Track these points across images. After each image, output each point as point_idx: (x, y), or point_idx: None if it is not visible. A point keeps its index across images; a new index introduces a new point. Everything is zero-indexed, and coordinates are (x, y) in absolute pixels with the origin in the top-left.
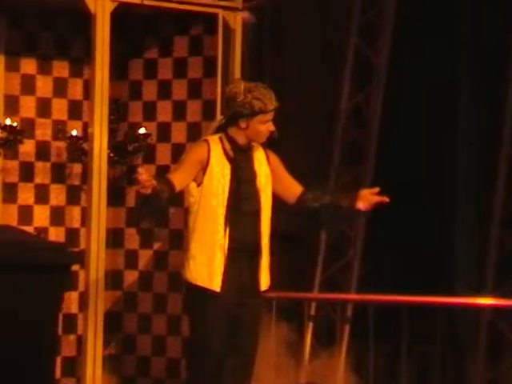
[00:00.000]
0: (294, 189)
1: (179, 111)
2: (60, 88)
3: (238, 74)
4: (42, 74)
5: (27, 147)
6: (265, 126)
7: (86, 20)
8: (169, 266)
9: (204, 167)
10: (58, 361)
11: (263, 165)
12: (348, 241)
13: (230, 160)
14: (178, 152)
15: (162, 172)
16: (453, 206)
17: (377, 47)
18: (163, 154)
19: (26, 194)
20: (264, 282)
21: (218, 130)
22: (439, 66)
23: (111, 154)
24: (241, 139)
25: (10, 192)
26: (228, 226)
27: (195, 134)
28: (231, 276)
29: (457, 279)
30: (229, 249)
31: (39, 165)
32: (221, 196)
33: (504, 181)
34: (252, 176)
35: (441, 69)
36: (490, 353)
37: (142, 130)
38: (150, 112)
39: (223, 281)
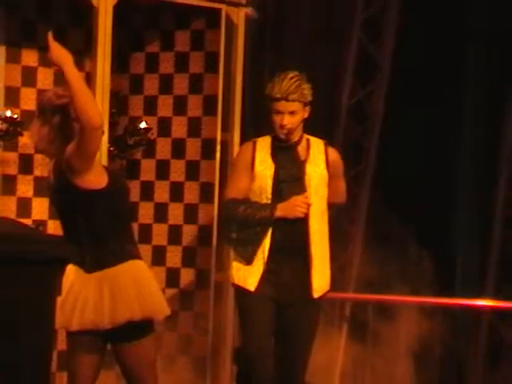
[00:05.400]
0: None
1: (180, 106)
2: (61, 80)
3: (239, 69)
4: (43, 65)
5: (27, 139)
6: (277, 117)
7: (85, 12)
8: (166, 261)
9: (250, 168)
10: (54, 354)
11: (318, 164)
12: (347, 238)
13: (274, 159)
14: (178, 147)
15: (162, 166)
16: (454, 205)
17: (380, 42)
18: (163, 148)
19: (25, 187)
20: (317, 286)
21: None
22: (444, 63)
23: (111, 148)
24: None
25: (9, 184)
26: (270, 228)
27: (196, 128)
28: (271, 277)
29: (457, 279)
30: (270, 250)
31: (38, 157)
32: (264, 195)
33: (506, 179)
34: (296, 175)
35: (446, 66)
36: (490, 357)
37: (142, 125)
38: (150, 106)
39: (260, 281)
